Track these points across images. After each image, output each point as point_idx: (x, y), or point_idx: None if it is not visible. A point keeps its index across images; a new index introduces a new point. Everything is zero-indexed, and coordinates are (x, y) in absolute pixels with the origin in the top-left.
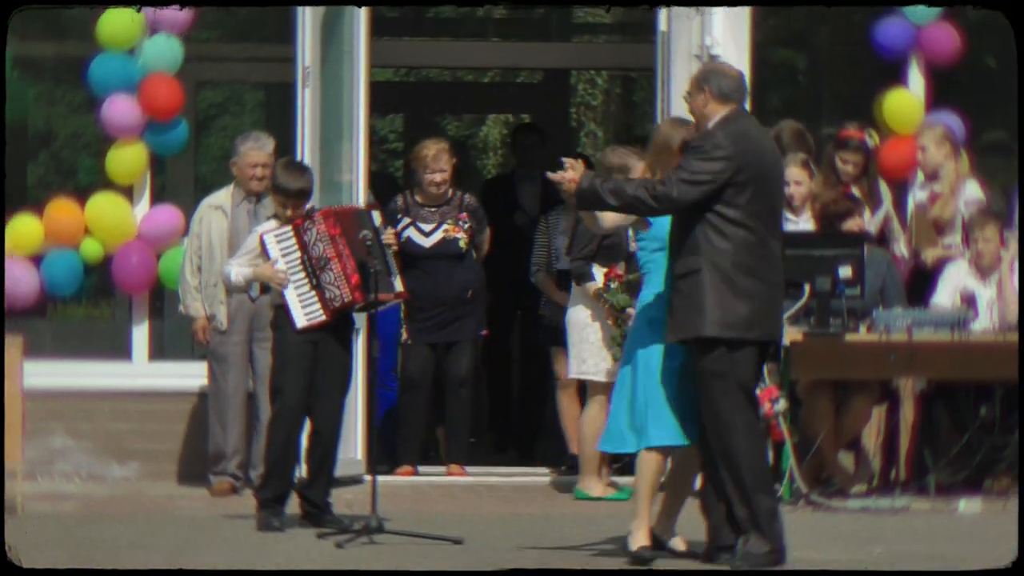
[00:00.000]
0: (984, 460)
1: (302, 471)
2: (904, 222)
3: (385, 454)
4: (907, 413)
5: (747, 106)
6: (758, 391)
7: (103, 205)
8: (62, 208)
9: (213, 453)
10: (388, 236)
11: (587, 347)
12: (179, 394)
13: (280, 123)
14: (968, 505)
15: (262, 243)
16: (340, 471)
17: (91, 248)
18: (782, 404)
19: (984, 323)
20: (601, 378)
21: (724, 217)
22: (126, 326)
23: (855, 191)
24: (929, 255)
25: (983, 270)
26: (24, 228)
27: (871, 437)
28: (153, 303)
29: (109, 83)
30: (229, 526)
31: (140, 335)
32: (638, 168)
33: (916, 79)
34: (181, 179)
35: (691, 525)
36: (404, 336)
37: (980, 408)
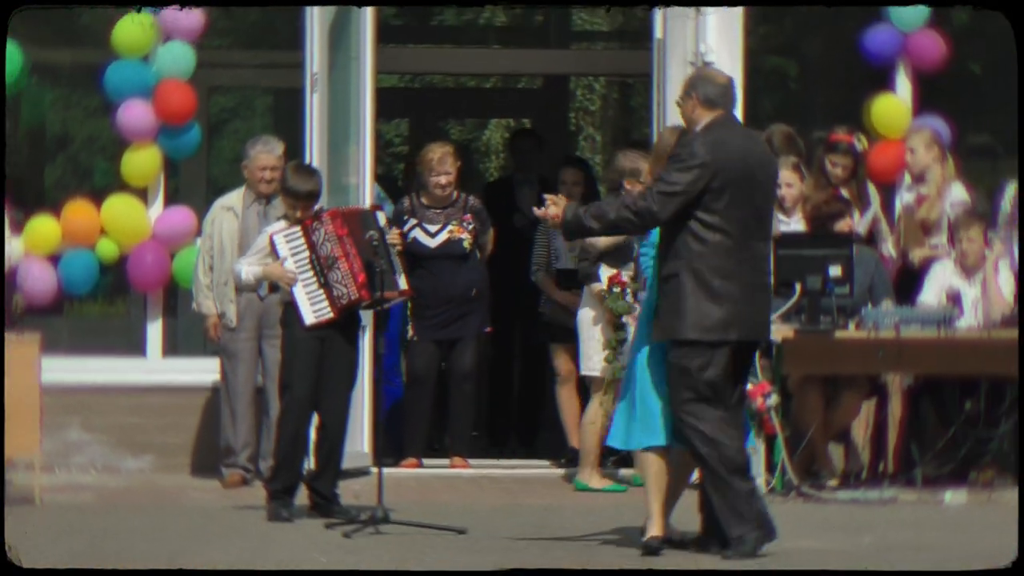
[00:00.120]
0: (969, 453)
1: (310, 463)
2: (892, 223)
3: (390, 447)
4: (895, 407)
5: (738, 111)
6: (750, 386)
7: (118, 206)
8: (79, 209)
9: (224, 446)
10: (393, 236)
11: (593, 344)
12: (192, 389)
13: (289, 127)
14: (954, 496)
15: (272, 243)
16: (347, 463)
17: (107, 248)
18: (774, 399)
19: (969, 320)
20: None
21: (702, 222)
22: (141, 323)
23: (845, 193)
24: (916, 255)
25: (968, 269)
26: (42, 229)
27: (860, 431)
28: (167, 301)
29: (124, 88)
30: (240, 516)
31: (154, 332)
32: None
33: (903, 85)
34: (194, 181)
35: (690, 520)
36: (410, 333)
37: (965, 403)
